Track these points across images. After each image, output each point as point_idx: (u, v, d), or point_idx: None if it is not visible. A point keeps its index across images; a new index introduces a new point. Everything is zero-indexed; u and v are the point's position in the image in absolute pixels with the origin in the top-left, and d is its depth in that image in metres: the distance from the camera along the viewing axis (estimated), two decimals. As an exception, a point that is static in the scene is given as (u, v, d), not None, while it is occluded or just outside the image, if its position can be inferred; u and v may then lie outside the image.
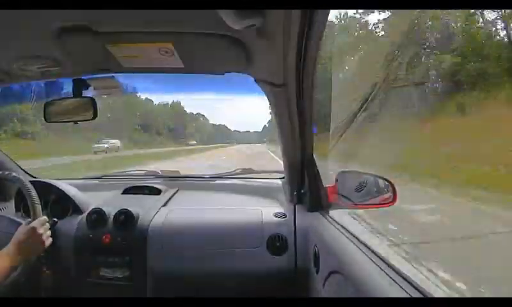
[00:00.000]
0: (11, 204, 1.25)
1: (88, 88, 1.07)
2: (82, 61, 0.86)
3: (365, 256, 0.72)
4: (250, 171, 1.68)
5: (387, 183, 1.04)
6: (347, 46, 9.48)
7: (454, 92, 7.41)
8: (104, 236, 1.12)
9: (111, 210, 1.16)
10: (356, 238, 0.83)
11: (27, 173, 1.45)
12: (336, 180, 1.08)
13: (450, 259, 2.57)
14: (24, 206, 1.15)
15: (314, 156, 1.10)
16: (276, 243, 1.10)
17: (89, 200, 1.26)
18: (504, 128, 5.29)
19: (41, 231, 0.94)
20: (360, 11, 9.43)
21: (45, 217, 0.99)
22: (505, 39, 7.37)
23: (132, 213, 1.14)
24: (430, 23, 7.83)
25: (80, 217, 1.17)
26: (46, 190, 1.15)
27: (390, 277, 0.61)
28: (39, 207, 0.99)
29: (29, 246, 0.91)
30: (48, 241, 0.96)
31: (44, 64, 0.83)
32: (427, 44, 7.99)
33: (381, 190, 1.05)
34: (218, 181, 1.56)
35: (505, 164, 4.64)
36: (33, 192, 1.00)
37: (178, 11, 0.59)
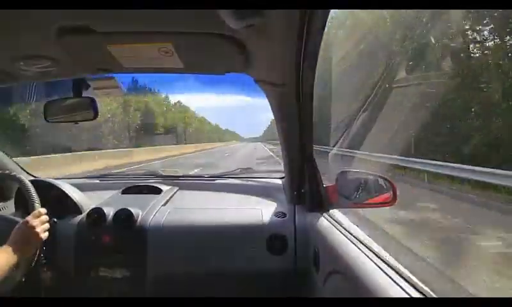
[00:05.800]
0: (10, 204, 1.25)
1: (88, 88, 1.07)
2: (82, 61, 0.85)
3: (365, 256, 0.72)
4: (250, 170, 1.67)
5: (387, 183, 1.04)
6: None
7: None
8: (103, 236, 1.11)
9: (110, 210, 1.15)
10: (356, 238, 0.83)
11: (27, 172, 1.45)
12: (337, 180, 1.08)
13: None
14: (23, 206, 1.15)
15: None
16: (276, 243, 1.10)
17: (89, 200, 1.25)
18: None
19: (35, 223, 0.91)
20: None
21: (41, 210, 0.96)
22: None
23: (132, 212, 1.14)
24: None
25: (80, 216, 1.17)
26: (46, 190, 1.15)
27: (390, 278, 0.61)
28: (38, 206, 0.99)
29: (26, 240, 0.89)
30: (44, 234, 0.93)
31: (44, 64, 0.82)
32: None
33: (381, 189, 1.05)
34: (218, 181, 1.56)
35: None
36: (33, 192, 1.00)
37: (177, 11, 0.59)
